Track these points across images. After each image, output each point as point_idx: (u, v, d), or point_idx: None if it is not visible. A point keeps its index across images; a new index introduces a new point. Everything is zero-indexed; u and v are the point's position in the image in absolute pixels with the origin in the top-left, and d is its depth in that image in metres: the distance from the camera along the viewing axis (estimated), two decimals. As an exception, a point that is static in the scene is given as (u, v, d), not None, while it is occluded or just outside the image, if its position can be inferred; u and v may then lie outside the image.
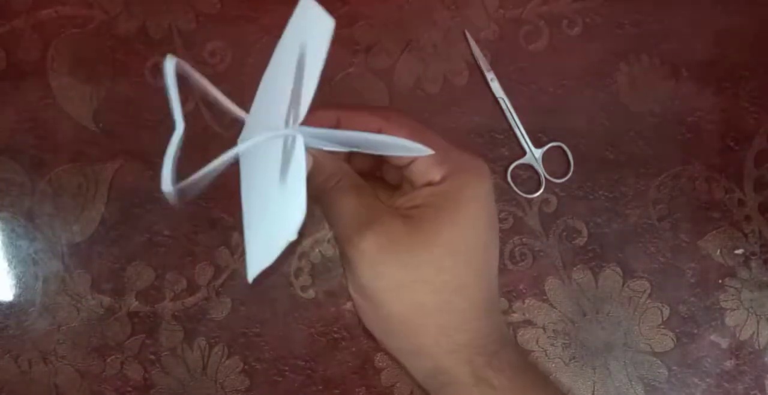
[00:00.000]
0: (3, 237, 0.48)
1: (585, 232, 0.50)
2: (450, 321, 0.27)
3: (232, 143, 0.27)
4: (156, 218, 0.48)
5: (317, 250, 0.49)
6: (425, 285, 0.27)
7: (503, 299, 0.50)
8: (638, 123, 0.51)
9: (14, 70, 0.49)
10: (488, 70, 0.50)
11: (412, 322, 0.27)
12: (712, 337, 0.50)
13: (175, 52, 0.49)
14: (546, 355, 0.50)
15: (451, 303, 0.27)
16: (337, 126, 0.29)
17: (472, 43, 0.50)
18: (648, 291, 0.50)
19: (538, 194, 0.50)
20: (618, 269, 0.50)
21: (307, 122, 0.28)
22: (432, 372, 0.28)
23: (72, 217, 0.48)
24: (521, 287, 0.50)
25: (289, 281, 0.49)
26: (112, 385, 0.48)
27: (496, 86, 0.50)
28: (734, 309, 0.50)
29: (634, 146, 0.51)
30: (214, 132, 0.48)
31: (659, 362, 0.50)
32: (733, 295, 0.50)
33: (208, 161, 0.25)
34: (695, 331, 0.50)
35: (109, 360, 0.48)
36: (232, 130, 0.46)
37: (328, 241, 0.49)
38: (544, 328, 0.50)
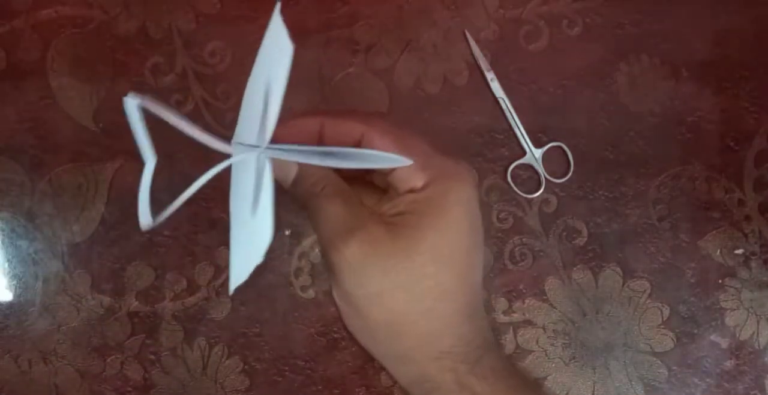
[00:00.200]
0: (3, 237, 0.48)
1: (585, 232, 0.50)
2: (433, 328, 0.27)
3: (232, 143, 0.27)
4: (156, 218, 0.48)
5: (317, 250, 0.49)
6: (408, 292, 0.27)
7: (503, 299, 0.50)
8: (638, 123, 0.51)
9: (14, 70, 0.49)
10: (488, 70, 0.50)
11: (396, 329, 0.28)
12: (712, 337, 0.50)
13: (175, 52, 0.49)
14: (546, 355, 0.50)
15: (434, 310, 0.27)
16: (321, 132, 0.29)
17: (472, 43, 0.50)
18: (648, 291, 0.50)
19: (538, 194, 0.50)
20: (618, 269, 0.50)
21: (291, 129, 0.28)
22: (417, 379, 0.28)
23: (72, 217, 0.48)
24: (521, 287, 0.50)
25: (289, 281, 0.49)
26: (112, 385, 0.48)
27: (496, 86, 0.50)
28: (734, 309, 0.50)
29: (634, 146, 0.51)
30: (214, 132, 0.48)
31: (659, 362, 0.50)
32: (733, 295, 0.50)
33: (209, 160, 0.25)
34: (695, 331, 0.50)
35: (109, 360, 0.48)
36: (233, 130, 0.46)
37: (328, 241, 0.49)
38: (544, 328, 0.50)
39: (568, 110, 0.51)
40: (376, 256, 0.27)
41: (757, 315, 0.50)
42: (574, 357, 0.50)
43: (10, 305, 0.48)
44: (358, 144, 0.28)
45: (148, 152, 0.22)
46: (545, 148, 0.50)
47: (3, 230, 0.48)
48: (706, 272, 0.50)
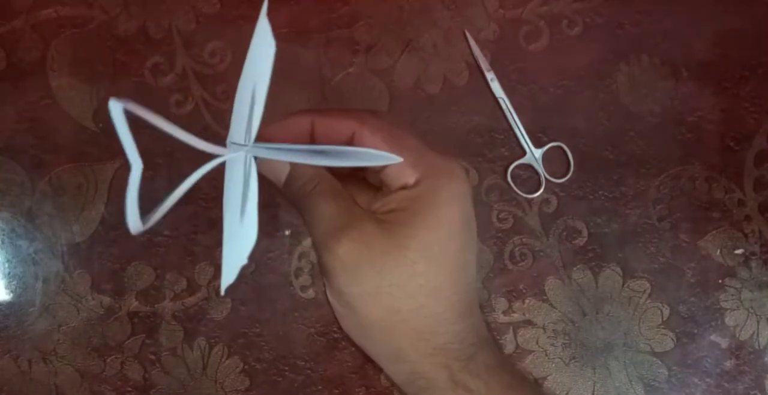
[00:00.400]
0: (3, 237, 0.48)
1: (585, 232, 0.50)
2: (426, 326, 0.27)
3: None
4: (156, 218, 0.48)
5: (317, 250, 0.49)
6: (400, 290, 0.27)
7: (503, 299, 0.50)
8: (638, 123, 0.51)
9: (14, 70, 0.49)
10: (488, 70, 0.50)
11: (389, 327, 0.27)
12: (712, 337, 0.50)
13: (175, 52, 0.49)
14: (546, 355, 0.50)
15: (427, 307, 0.27)
16: (312, 131, 0.29)
17: (472, 43, 0.50)
18: (648, 291, 0.50)
19: (538, 194, 0.50)
20: (618, 269, 0.50)
21: (281, 128, 0.28)
22: (410, 377, 0.28)
23: (72, 217, 0.48)
24: (521, 287, 0.50)
25: (289, 281, 0.49)
26: (112, 385, 0.48)
27: (496, 86, 0.50)
28: (734, 309, 0.50)
29: (634, 146, 0.51)
30: (214, 132, 0.48)
31: (659, 362, 0.50)
32: (733, 295, 0.50)
33: (210, 160, 0.25)
34: (695, 331, 0.50)
35: (109, 360, 0.48)
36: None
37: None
38: (544, 328, 0.50)
39: (568, 110, 0.51)
40: (368, 254, 0.27)
41: (757, 315, 0.50)
42: (574, 357, 0.50)
43: (10, 305, 0.48)
44: (349, 142, 0.28)
45: (134, 157, 0.22)
46: (545, 148, 0.50)
47: (3, 230, 0.48)
48: (706, 272, 0.50)
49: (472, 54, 0.50)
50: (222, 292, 0.25)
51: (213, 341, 0.48)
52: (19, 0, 0.49)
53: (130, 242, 0.48)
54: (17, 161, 0.48)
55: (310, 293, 0.49)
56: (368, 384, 0.49)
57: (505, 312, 0.50)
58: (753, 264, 0.51)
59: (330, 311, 0.49)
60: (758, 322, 0.50)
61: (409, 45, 0.51)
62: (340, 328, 0.49)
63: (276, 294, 0.49)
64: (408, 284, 0.27)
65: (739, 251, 0.51)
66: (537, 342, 0.50)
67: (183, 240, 0.48)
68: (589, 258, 0.50)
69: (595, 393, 0.50)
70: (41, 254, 0.48)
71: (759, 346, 0.50)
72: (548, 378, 0.50)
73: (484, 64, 0.50)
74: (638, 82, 0.51)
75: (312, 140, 0.29)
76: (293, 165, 0.28)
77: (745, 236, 0.51)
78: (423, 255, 0.27)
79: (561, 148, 0.50)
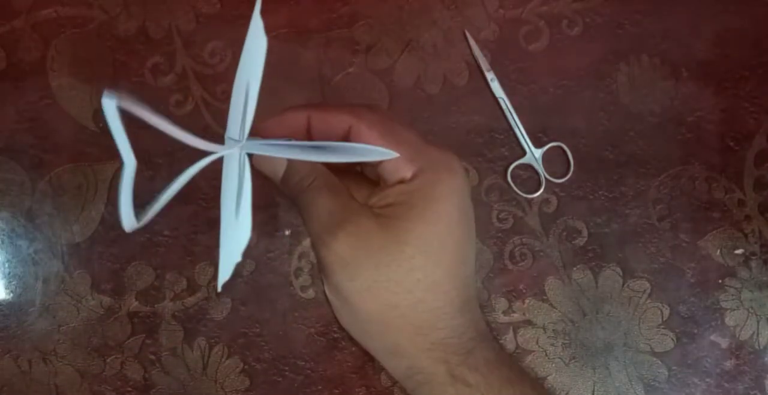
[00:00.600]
0: (3, 237, 0.48)
1: (585, 232, 0.50)
2: (424, 320, 0.27)
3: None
4: (156, 218, 0.48)
5: (317, 250, 0.49)
6: (398, 285, 0.27)
7: (503, 299, 0.50)
8: (638, 123, 0.51)
9: (14, 70, 0.49)
10: (488, 70, 0.50)
11: (387, 322, 0.27)
12: (712, 337, 0.50)
13: (175, 52, 0.49)
14: (546, 355, 0.50)
15: (425, 302, 0.27)
16: (308, 126, 0.29)
17: (472, 43, 0.50)
18: (648, 291, 0.50)
19: (538, 194, 0.50)
20: (618, 269, 0.50)
21: (277, 124, 0.28)
22: (408, 372, 0.28)
23: (72, 217, 0.48)
24: (521, 287, 0.50)
25: (289, 281, 0.49)
26: (112, 385, 0.48)
27: (496, 86, 0.50)
28: (734, 309, 0.50)
29: (634, 146, 0.51)
30: (214, 132, 0.48)
31: (659, 362, 0.50)
32: (733, 295, 0.50)
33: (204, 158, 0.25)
34: (695, 331, 0.50)
35: (109, 360, 0.48)
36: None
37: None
38: (544, 328, 0.50)
39: (568, 110, 0.51)
40: (365, 249, 0.27)
41: (757, 315, 0.50)
42: (574, 357, 0.50)
43: (10, 305, 0.48)
44: (346, 136, 0.28)
45: (127, 155, 0.22)
46: (545, 148, 0.50)
47: (3, 230, 0.48)
48: (706, 272, 0.50)
49: (472, 54, 0.50)
50: (219, 288, 0.25)
51: (213, 341, 0.48)
52: (19, 0, 0.49)
53: (130, 242, 0.48)
54: (17, 161, 0.48)
55: (310, 293, 0.49)
56: (368, 384, 0.49)
57: (505, 312, 0.50)
58: (753, 264, 0.51)
59: (330, 311, 0.49)
60: (758, 322, 0.50)
61: (409, 45, 0.51)
62: (340, 328, 0.49)
63: (276, 294, 0.49)
64: (406, 279, 0.27)
65: (739, 251, 0.51)
66: (537, 342, 0.50)
67: (183, 240, 0.48)
68: (589, 258, 0.50)
69: (595, 393, 0.50)
70: (41, 254, 0.48)
71: (759, 346, 0.50)
72: (548, 378, 0.50)
73: (484, 64, 0.50)
74: (638, 82, 0.51)
75: (308, 135, 0.29)
76: (290, 161, 0.28)
77: (745, 236, 0.51)
78: (421, 250, 0.27)
79: (561, 148, 0.50)
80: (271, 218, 0.49)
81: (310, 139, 0.29)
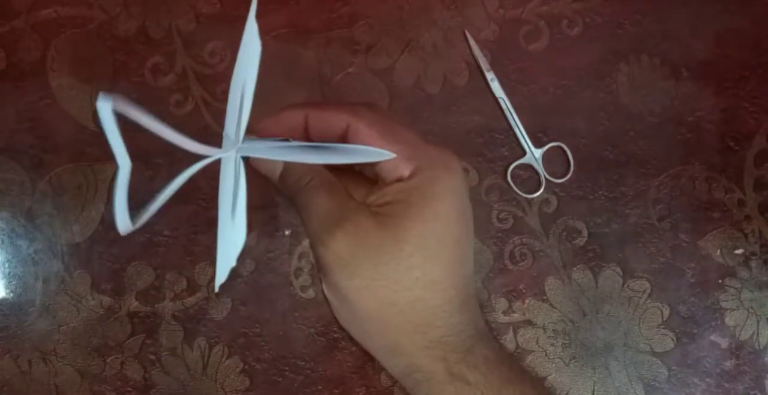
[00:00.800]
0: (3, 237, 0.48)
1: (585, 232, 0.50)
2: (423, 318, 0.27)
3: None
4: (156, 218, 0.48)
5: (317, 250, 0.49)
6: (396, 283, 0.27)
7: (503, 299, 0.50)
8: (638, 123, 0.51)
9: (14, 70, 0.49)
10: (488, 70, 0.50)
11: (386, 320, 0.27)
12: (712, 337, 0.50)
13: (175, 52, 0.49)
14: (546, 355, 0.50)
15: (423, 300, 0.27)
16: (306, 125, 0.29)
17: (472, 43, 0.50)
18: (648, 291, 0.50)
19: (538, 194, 0.50)
20: (618, 269, 0.50)
21: (274, 123, 0.28)
22: (407, 370, 0.28)
23: (72, 217, 0.48)
24: (521, 287, 0.50)
25: (289, 281, 0.49)
26: (112, 385, 0.48)
27: (496, 86, 0.50)
28: (734, 309, 0.50)
29: (634, 146, 0.51)
30: (214, 132, 0.48)
31: (659, 362, 0.50)
32: (733, 295, 0.50)
33: (202, 159, 0.25)
34: (695, 331, 0.50)
35: (109, 360, 0.48)
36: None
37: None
38: (544, 328, 0.50)
39: (568, 110, 0.51)
40: (364, 247, 0.26)
41: (757, 315, 0.50)
42: (574, 357, 0.50)
43: (10, 305, 0.48)
44: (344, 135, 0.28)
45: (122, 157, 0.22)
46: (545, 148, 0.50)
47: (3, 230, 0.48)
48: (706, 272, 0.50)
49: (472, 54, 0.50)
50: (216, 289, 0.25)
51: (213, 341, 0.48)
52: (19, 0, 0.49)
53: (130, 242, 0.48)
54: (17, 161, 0.48)
55: (310, 293, 0.49)
56: (368, 384, 0.49)
57: (505, 312, 0.50)
58: (753, 264, 0.51)
59: (329, 310, 0.49)
60: (758, 322, 0.50)
61: (409, 45, 0.51)
62: (340, 328, 0.49)
63: (276, 294, 0.49)
64: (404, 277, 0.27)
65: (739, 251, 0.51)
66: (537, 342, 0.50)
67: (183, 240, 0.48)
68: (589, 258, 0.50)
69: (595, 393, 0.50)
70: (41, 254, 0.48)
71: (759, 346, 0.50)
72: (548, 378, 0.50)
73: (484, 64, 0.50)
74: (638, 82, 0.51)
75: (306, 134, 0.29)
76: (286, 161, 0.28)
77: (745, 236, 0.51)
78: (419, 248, 0.27)
79: (561, 148, 0.50)
80: (271, 218, 0.49)
81: (307, 138, 0.29)
